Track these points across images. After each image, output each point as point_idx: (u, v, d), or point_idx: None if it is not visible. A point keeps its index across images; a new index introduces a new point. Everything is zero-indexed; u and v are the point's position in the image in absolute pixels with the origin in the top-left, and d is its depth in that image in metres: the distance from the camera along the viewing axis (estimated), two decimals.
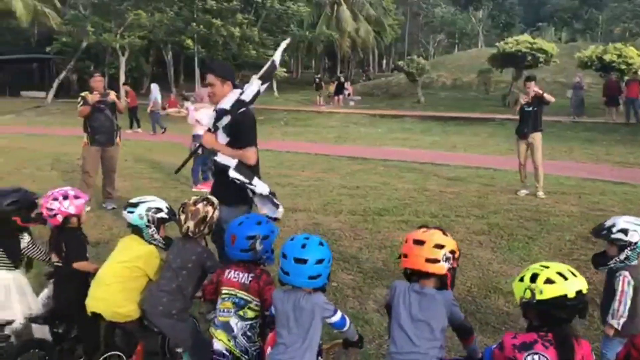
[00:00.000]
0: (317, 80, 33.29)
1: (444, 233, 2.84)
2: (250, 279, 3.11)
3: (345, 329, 2.86)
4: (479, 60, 33.58)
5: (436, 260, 2.73)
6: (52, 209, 3.69)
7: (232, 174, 4.09)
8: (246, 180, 4.12)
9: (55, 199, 3.72)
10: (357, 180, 10.83)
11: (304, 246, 2.75)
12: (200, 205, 3.40)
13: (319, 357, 2.86)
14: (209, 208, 3.43)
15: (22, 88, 44.54)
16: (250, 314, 3.10)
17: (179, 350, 3.57)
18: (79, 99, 8.24)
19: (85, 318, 3.57)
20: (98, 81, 8.30)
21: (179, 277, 3.33)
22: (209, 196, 3.56)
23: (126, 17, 29.22)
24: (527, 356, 2.28)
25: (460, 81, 35.10)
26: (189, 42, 25.68)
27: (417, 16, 65.58)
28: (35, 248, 3.96)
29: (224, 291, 3.14)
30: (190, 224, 3.38)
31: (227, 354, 3.06)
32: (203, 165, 9.98)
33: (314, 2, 39.30)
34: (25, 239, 3.91)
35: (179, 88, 37.79)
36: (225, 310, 3.11)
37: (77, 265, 3.70)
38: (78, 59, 37.13)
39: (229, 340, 3.06)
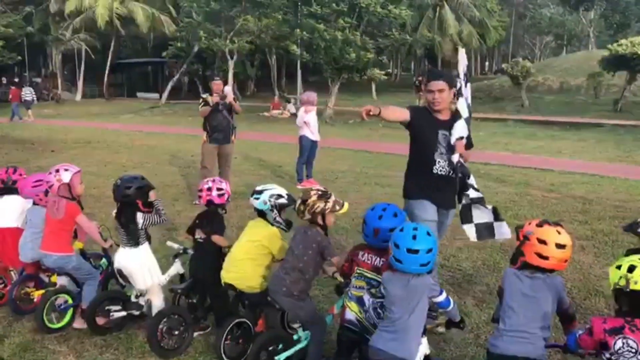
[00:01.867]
0: (416, 83, 33.21)
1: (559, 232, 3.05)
2: (381, 262, 3.48)
3: (449, 308, 3.18)
4: (589, 63, 31.97)
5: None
6: (221, 189, 4.46)
7: (471, 180, 4.47)
8: (474, 184, 4.51)
9: (222, 181, 4.52)
10: None
11: (414, 237, 3.07)
12: (312, 192, 3.77)
13: (424, 335, 3.18)
14: (317, 200, 3.72)
15: (138, 89, 48.07)
16: (380, 293, 3.42)
17: (296, 325, 4.01)
18: (201, 100, 9.09)
19: (219, 289, 4.15)
20: (218, 84, 9.10)
21: (300, 262, 3.71)
22: (323, 189, 3.89)
23: (235, 23, 30.75)
24: (617, 340, 2.49)
25: (567, 85, 33.59)
26: (294, 46, 26.55)
27: (523, 17, 63.37)
28: (147, 217, 4.35)
29: (357, 270, 3.55)
30: (298, 202, 3.81)
31: (358, 323, 3.47)
32: (308, 164, 10.57)
33: (416, 5, 39.23)
34: (138, 217, 4.34)
35: (281, 91, 39.23)
36: (359, 287, 3.52)
37: (215, 238, 4.29)
38: (189, 62, 39.57)
39: (361, 313, 3.46)
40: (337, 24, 24.75)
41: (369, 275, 3.49)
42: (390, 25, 26.71)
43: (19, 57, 40.23)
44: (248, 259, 3.99)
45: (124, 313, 4.42)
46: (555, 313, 3.10)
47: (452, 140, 4.32)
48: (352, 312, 3.49)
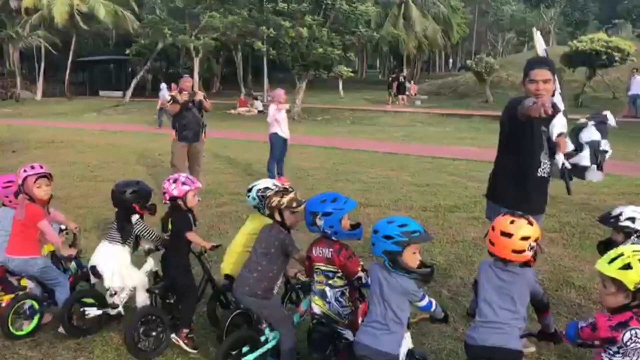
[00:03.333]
0: (390, 79, 33.52)
1: (530, 222, 3.09)
2: (330, 253, 3.50)
3: (432, 310, 3.21)
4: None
5: (522, 251, 3.03)
6: (184, 183, 4.30)
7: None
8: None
9: (189, 177, 4.39)
10: (427, 178, 11.04)
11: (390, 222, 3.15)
12: (272, 193, 3.78)
13: (407, 329, 3.20)
14: (274, 195, 3.74)
15: (100, 88, 47.12)
16: (338, 282, 3.51)
17: (263, 326, 3.84)
18: (169, 98, 8.94)
19: (189, 288, 4.22)
20: (187, 82, 9.00)
21: (263, 260, 3.68)
22: (286, 186, 3.93)
23: (200, 20, 30.40)
24: (625, 333, 2.54)
25: None
26: (260, 43, 26.39)
27: (485, 14, 64.40)
28: (143, 225, 4.42)
29: (315, 265, 3.58)
30: (267, 211, 3.81)
31: (324, 315, 3.54)
32: (279, 162, 10.54)
33: (382, 2, 39.44)
34: (134, 217, 4.40)
35: (247, 88, 38.99)
36: (319, 281, 3.57)
37: (189, 235, 4.21)
38: (153, 60, 38.95)
39: (324, 305, 3.53)
40: (303, 20, 24.70)
41: (324, 268, 3.54)
42: (357, 22, 26.77)
43: None
44: (246, 251, 4.03)
45: (99, 312, 4.34)
46: (530, 303, 3.16)
47: (554, 137, 3.78)
48: (317, 305, 3.57)
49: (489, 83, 30.05)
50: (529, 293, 3.05)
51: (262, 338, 3.74)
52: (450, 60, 72.29)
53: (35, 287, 4.50)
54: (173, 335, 4.13)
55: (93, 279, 4.59)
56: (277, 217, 3.71)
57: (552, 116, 3.65)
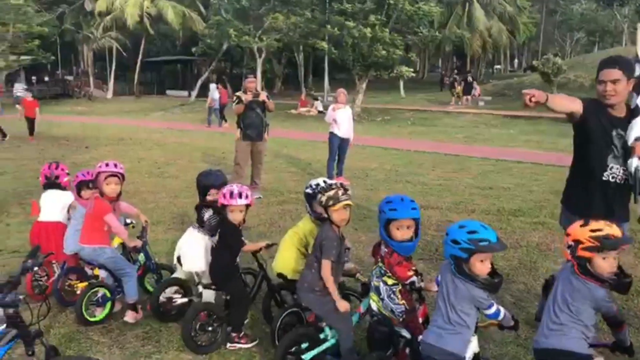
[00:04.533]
0: (450, 79, 33.04)
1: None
2: (384, 253, 3.53)
3: (500, 318, 3.12)
4: None
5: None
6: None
7: None
8: None
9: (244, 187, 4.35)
10: (490, 180, 10.81)
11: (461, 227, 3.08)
12: (322, 191, 3.74)
13: (475, 333, 3.13)
14: (323, 196, 3.65)
15: (167, 87, 48.65)
16: (389, 281, 3.52)
17: (323, 323, 3.86)
18: (235, 98, 9.16)
19: (238, 291, 4.28)
20: (252, 82, 9.18)
21: (318, 254, 3.69)
22: (343, 184, 3.81)
23: (264, 21, 30.92)
24: None
25: None
26: (323, 43, 26.55)
27: (553, 14, 62.25)
28: (215, 219, 4.53)
29: (378, 261, 3.63)
30: (320, 209, 3.78)
31: (378, 312, 3.59)
32: (338, 162, 10.59)
33: (445, 2, 38.88)
34: (209, 212, 4.55)
35: (308, 88, 39.30)
36: (376, 276, 3.61)
37: (246, 249, 4.32)
38: (218, 60, 39.91)
39: (379, 302, 3.57)
40: (366, 20, 24.68)
41: (380, 265, 3.58)
42: (419, 22, 26.50)
43: (53, 57, 41.14)
44: (293, 248, 4.13)
45: (185, 300, 4.53)
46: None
47: (630, 141, 3.60)
48: (373, 302, 3.61)
49: (556, 85, 29.02)
50: (593, 309, 2.94)
51: (321, 335, 3.76)
52: (516, 61, 70.29)
53: (107, 276, 4.73)
54: (228, 344, 4.17)
55: (178, 270, 4.76)
56: (325, 215, 3.68)
57: (632, 118, 3.58)
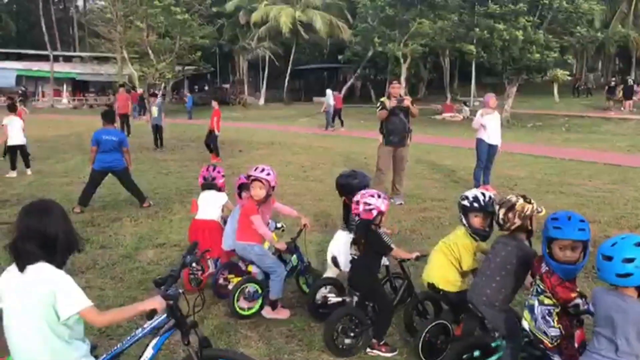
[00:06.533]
0: (611, 83, 30.40)
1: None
2: (544, 271, 3.28)
3: None
4: None
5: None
6: (369, 204, 4.27)
7: None
8: None
9: (373, 196, 4.33)
10: None
11: (614, 244, 2.72)
12: (514, 198, 3.60)
13: None
14: (524, 202, 3.55)
15: (314, 94, 50.27)
16: (547, 301, 3.26)
17: (496, 334, 3.76)
18: (378, 103, 9.24)
19: (383, 299, 4.28)
20: (396, 88, 9.19)
21: (502, 271, 3.58)
22: (526, 195, 3.68)
23: (410, 27, 30.78)
24: None
25: None
26: (471, 47, 25.78)
27: None
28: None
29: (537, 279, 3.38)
30: (501, 211, 3.60)
31: (530, 333, 3.34)
32: (486, 170, 10.21)
33: None
34: None
35: (453, 93, 38.39)
36: (532, 294, 3.39)
37: (395, 253, 4.33)
38: (362, 67, 40.49)
39: (532, 321, 3.33)
40: (517, 22, 23.56)
41: (538, 282, 3.34)
42: (578, 21, 24.69)
43: (212, 68, 44.52)
44: (445, 259, 4.06)
45: (339, 299, 4.68)
46: None
47: None
48: (525, 321, 3.39)
49: None
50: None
51: (494, 344, 3.68)
52: None
53: (260, 273, 5.01)
54: (368, 349, 4.21)
55: (329, 270, 4.97)
56: (529, 226, 3.59)
57: None
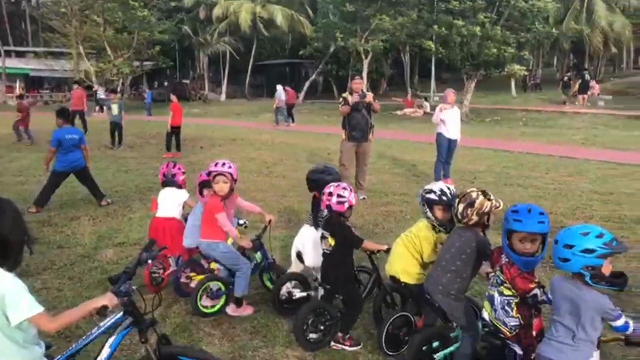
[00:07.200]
0: (565, 78, 31.23)
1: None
2: (504, 262, 3.36)
3: (628, 332, 2.87)
4: None
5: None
6: (342, 197, 4.23)
7: None
8: None
9: (345, 189, 4.30)
10: (610, 185, 10.09)
11: (566, 231, 2.90)
12: (474, 194, 3.66)
13: (597, 348, 2.93)
14: (484, 199, 3.61)
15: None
16: (506, 292, 3.32)
17: (454, 324, 3.83)
18: (341, 99, 9.25)
19: (353, 293, 4.31)
20: (358, 83, 9.21)
21: (457, 260, 3.65)
22: (486, 191, 3.73)
23: (370, 22, 30.95)
24: None
25: None
26: (430, 43, 26.13)
27: None
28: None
29: (496, 269, 3.45)
30: (460, 206, 3.65)
31: (490, 323, 3.40)
32: (446, 164, 10.36)
33: None
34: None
35: (413, 89, 38.82)
36: (491, 285, 3.46)
37: (365, 246, 4.32)
38: (325, 62, 40.52)
39: (491, 312, 3.39)
40: (475, 19, 23.97)
41: (497, 274, 3.41)
42: (533, 18, 25.28)
43: (172, 62, 43.82)
44: (406, 251, 4.11)
45: (304, 294, 4.69)
46: None
47: None
48: (485, 311, 3.45)
49: None
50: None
51: (452, 335, 3.77)
52: None
53: (223, 271, 4.96)
54: (332, 343, 4.22)
55: (293, 265, 4.96)
56: (486, 221, 3.66)
57: None
